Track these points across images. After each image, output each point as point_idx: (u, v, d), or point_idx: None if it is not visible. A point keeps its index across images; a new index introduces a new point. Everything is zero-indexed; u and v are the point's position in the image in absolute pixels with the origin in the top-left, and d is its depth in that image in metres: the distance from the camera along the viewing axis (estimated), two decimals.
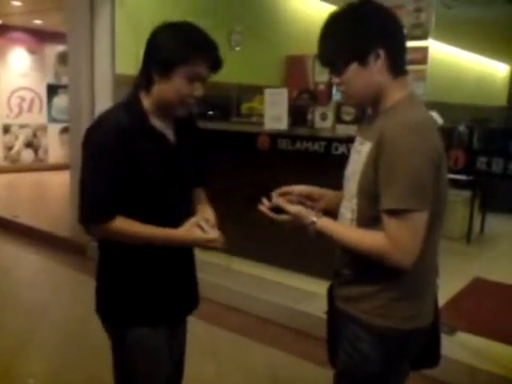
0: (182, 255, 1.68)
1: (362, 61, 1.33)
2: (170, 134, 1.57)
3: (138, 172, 1.47)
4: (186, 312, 1.78)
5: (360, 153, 1.38)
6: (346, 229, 1.40)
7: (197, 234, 1.54)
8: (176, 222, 1.54)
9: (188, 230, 1.54)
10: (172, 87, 1.44)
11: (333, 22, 1.37)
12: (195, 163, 1.70)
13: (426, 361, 1.52)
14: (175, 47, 1.42)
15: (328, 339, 1.64)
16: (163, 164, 1.54)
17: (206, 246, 1.56)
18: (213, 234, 1.56)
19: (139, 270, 1.59)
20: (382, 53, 1.32)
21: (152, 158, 1.50)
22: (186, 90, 1.45)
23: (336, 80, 1.40)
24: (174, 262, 1.64)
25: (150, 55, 1.47)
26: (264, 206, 1.48)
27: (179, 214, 1.58)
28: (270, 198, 1.50)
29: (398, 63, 1.36)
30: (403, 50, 1.39)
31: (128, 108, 1.51)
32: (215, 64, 1.49)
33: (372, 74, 1.34)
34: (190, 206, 1.69)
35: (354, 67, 1.34)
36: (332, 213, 1.54)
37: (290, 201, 1.51)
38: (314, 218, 1.40)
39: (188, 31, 1.46)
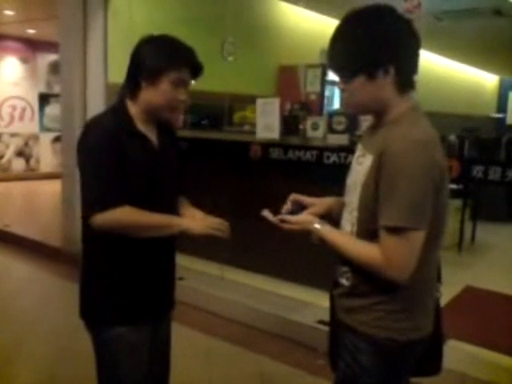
0: (164, 255, 1.72)
1: (371, 75, 1.29)
2: (153, 139, 1.65)
3: (126, 172, 1.54)
4: (165, 312, 1.82)
5: (362, 164, 1.37)
6: (345, 239, 1.40)
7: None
8: None
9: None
10: (158, 93, 1.55)
11: (347, 26, 1.33)
12: (178, 170, 1.76)
13: (427, 368, 1.52)
14: (161, 56, 1.54)
15: (330, 349, 1.64)
16: (148, 166, 1.60)
17: (211, 230, 1.60)
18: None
19: (120, 270, 1.63)
20: (392, 70, 1.29)
21: (138, 159, 1.57)
22: (171, 94, 1.56)
23: (341, 86, 1.38)
24: (155, 262, 1.68)
25: (136, 65, 1.57)
26: (269, 216, 1.48)
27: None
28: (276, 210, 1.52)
29: (406, 80, 1.34)
30: (414, 66, 1.36)
31: (115, 114, 1.61)
32: (196, 69, 1.61)
33: (378, 88, 1.31)
34: (174, 209, 1.73)
35: (360, 79, 1.31)
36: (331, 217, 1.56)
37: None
38: (318, 225, 1.41)
39: (170, 41, 1.59)
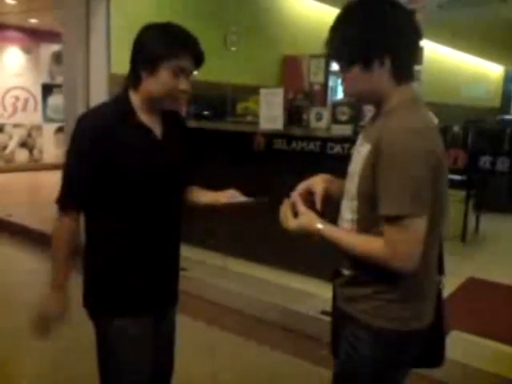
0: (167, 246, 1.71)
1: (366, 65, 1.31)
2: (157, 129, 1.62)
3: (122, 163, 1.53)
4: (168, 305, 1.81)
5: (360, 153, 1.38)
6: (348, 236, 1.39)
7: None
8: (161, 217, 1.63)
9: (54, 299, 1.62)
10: (158, 81, 1.52)
11: (346, 16, 1.34)
12: (184, 161, 1.73)
13: (429, 360, 1.52)
14: (159, 43, 1.50)
15: (332, 339, 1.64)
16: (148, 155, 1.58)
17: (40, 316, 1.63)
18: None
19: (121, 260, 1.62)
20: (387, 61, 1.30)
21: (137, 149, 1.55)
22: (171, 83, 1.52)
23: (340, 75, 1.39)
24: (158, 254, 1.67)
25: (136, 54, 1.55)
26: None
27: (165, 208, 1.64)
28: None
29: (403, 72, 1.34)
30: (411, 59, 1.36)
31: (117, 104, 1.60)
32: (198, 58, 1.57)
33: (374, 78, 1.32)
34: (179, 201, 1.72)
35: (357, 69, 1.32)
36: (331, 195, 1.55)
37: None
38: (320, 225, 1.39)
39: (170, 29, 1.55)
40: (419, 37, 1.36)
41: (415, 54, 1.37)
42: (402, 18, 1.32)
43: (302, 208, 1.45)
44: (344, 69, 1.36)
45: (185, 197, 1.77)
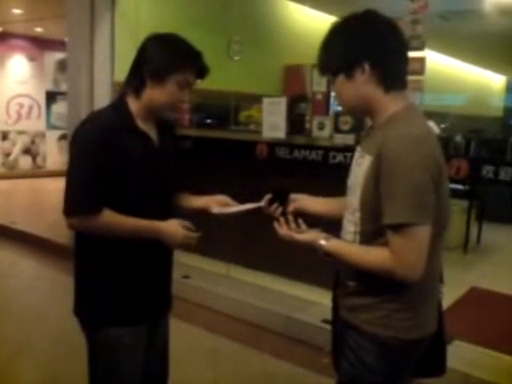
0: (160, 254, 1.70)
1: (348, 73, 1.35)
2: (153, 136, 1.65)
3: (123, 168, 1.53)
4: (162, 312, 1.80)
5: (361, 166, 1.38)
6: (352, 249, 1.40)
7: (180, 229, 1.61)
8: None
9: (172, 225, 1.61)
10: (164, 93, 1.55)
11: (329, 32, 1.40)
12: (177, 166, 1.75)
13: (431, 370, 1.52)
14: (170, 56, 1.54)
15: (333, 348, 1.64)
16: (148, 162, 1.60)
17: (182, 241, 1.61)
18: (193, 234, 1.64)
19: (114, 269, 1.61)
20: (367, 67, 1.33)
21: (137, 156, 1.56)
22: (176, 95, 1.57)
23: (332, 87, 1.46)
24: (151, 262, 1.66)
25: (142, 63, 1.56)
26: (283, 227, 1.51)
27: (161, 213, 1.63)
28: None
29: (388, 78, 1.35)
30: (395, 64, 1.37)
31: (115, 109, 1.60)
32: (202, 71, 1.61)
33: (359, 86, 1.35)
34: (173, 207, 1.73)
35: (341, 78, 1.38)
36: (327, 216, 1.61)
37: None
38: (323, 242, 1.40)
39: (177, 42, 1.58)
40: (403, 45, 1.39)
41: (402, 61, 1.39)
42: (381, 26, 1.36)
43: (303, 225, 1.49)
44: (331, 80, 1.42)
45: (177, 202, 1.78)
